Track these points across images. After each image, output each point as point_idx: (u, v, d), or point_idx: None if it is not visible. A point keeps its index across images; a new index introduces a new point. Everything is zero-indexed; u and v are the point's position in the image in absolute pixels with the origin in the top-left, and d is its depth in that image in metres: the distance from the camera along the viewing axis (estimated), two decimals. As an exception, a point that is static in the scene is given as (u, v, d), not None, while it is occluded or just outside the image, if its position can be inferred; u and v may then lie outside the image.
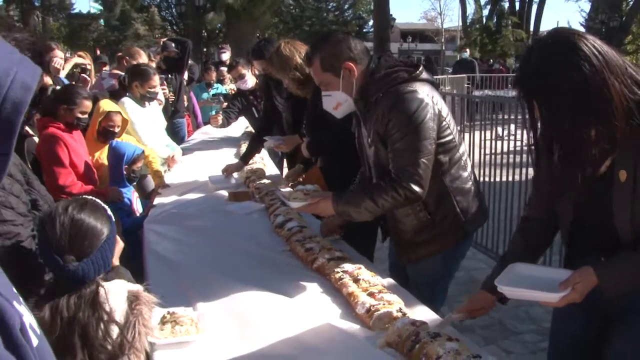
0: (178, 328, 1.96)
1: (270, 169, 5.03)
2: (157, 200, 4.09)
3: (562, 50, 1.67)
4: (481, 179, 5.80)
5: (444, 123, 2.42)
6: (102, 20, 29.02)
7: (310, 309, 2.20)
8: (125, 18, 27.20)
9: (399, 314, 1.99)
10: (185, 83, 7.24)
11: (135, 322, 1.67)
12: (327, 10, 39.01)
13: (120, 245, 1.95)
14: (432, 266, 2.62)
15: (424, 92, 2.36)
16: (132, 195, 4.01)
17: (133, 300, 1.70)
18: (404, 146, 2.32)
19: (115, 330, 1.64)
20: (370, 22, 35.17)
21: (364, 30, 38.71)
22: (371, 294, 2.14)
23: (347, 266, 2.42)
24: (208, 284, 2.44)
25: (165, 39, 6.84)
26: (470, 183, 2.59)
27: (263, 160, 5.05)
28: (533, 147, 1.83)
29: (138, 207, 4.06)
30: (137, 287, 1.77)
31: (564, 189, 1.85)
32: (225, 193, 4.12)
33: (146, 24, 28.34)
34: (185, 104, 7.32)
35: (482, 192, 2.78)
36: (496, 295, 2.01)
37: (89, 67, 6.63)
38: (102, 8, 28.75)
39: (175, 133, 6.66)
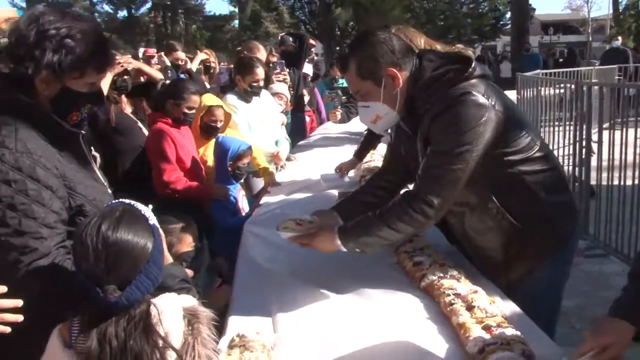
0: (247, 355, 1.66)
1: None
2: (264, 200, 3.88)
3: None
4: (636, 181, 4.99)
5: (509, 122, 2.06)
6: (235, 22, 30.31)
7: (410, 340, 1.80)
8: (256, 18, 28.10)
9: (521, 359, 1.53)
10: (309, 78, 7.06)
11: (194, 343, 1.42)
12: (461, 3, 37.48)
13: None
14: (537, 282, 2.18)
15: (479, 91, 2.01)
16: (238, 194, 3.85)
17: (191, 319, 1.45)
18: (440, 148, 2.02)
19: (172, 356, 1.39)
20: (508, 14, 33.25)
21: (501, 23, 36.81)
22: (487, 328, 1.69)
23: (461, 288, 1.99)
24: (297, 300, 2.13)
25: (282, 34, 6.71)
26: (555, 177, 2.22)
27: (382, 158, 4.66)
28: None
29: (244, 206, 3.89)
30: (191, 301, 1.51)
31: None
32: (336, 193, 3.80)
33: (276, 23, 29.04)
34: (307, 98, 7.14)
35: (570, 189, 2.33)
36: (636, 326, 1.51)
37: (213, 64, 6.69)
38: (235, 10, 30.05)
39: (295, 128, 6.50)
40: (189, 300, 1.50)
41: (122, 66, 3.97)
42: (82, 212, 1.71)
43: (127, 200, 1.54)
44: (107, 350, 1.34)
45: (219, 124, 4.01)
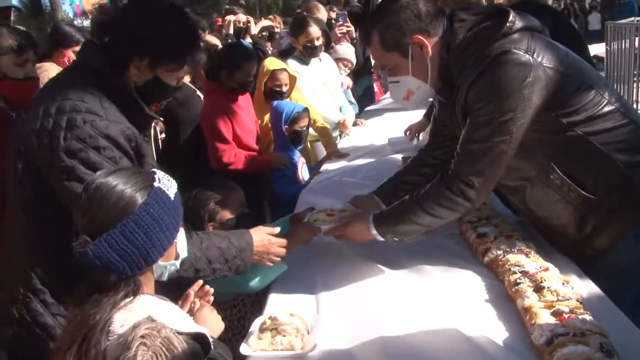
0: (279, 339, 1.52)
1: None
2: (324, 167, 3.70)
3: None
4: None
5: (564, 78, 1.76)
6: (306, -14, 29.96)
7: (467, 326, 1.58)
8: (329, -19, 27.71)
9: (598, 356, 1.27)
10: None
11: None
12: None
13: None
14: (621, 257, 1.85)
15: (521, 48, 1.73)
16: (298, 161, 3.67)
17: (135, 336, 1.13)
18: (480, 119, 1.76)
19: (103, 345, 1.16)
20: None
21: (591, -29, 34.24)
22: (557, 314, 1.44)
23: (529, 265, 1.74)
24: (344, 277, 1.96)
25: (348, -7, 6.39)
26: (634, 133, 1.85)
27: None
28: None
29: (304, 174, 3.71)
30: (171, 319, 1.21)
31: None
32: (400, 158, 3.56)
33: (350, -15, 28.46)
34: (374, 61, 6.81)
35: None
36: None
37: (277, 29, 6.52)
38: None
39: (364, 92, 6.24)
40: (170, 317, 1.22)
41: None
42: None
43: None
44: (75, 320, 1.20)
45: (284, 88, 3.80)
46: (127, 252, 1.21)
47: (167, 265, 1.39)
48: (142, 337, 1.11)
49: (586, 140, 1.79)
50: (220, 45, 4.34)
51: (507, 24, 1.76)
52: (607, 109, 1.81)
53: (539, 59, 1.72)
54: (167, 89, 1.79)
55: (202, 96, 4.04)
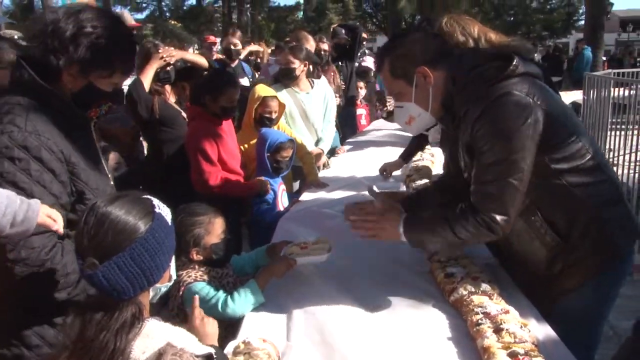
0: (251, 363, 1.58)
1: (440, 167, 4.42)
2: (304, 196, 3.79)
3: None
4: None
5: (556, 124, 1.89)
6: (300, 13, 30.47)
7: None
8: (321, 9, 28.28)
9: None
10: (372, 73, 6.90)
11: None
12: (531, -3, 36.11)
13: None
14: (578, 301, 2.02)
15: (522, 91, 1.86)
16: (277, 188, 3.76)
17: (164, 357, 1.22)
18: (490, 160, 1.87)
19: None
20: (582, 10, 31.77)
21: (574, 18, 35.30)
22: (513, 355, 1.54)
23: (492, 306, 1.84)
24: (316, 307, 2.02)
25: (335, 26, 6.54)
26: (610, 188, 2.03)
27: (433, 158, 4.45)
28: None
29: (283, 202, 3.80)
30: (186, 343, 1.29)
31: None
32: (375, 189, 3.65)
33: (341, 15, 29.04)
34: (363, 92, 6.93)
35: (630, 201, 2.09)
36: None
37: (259, 59, 6.65)
38: (301, 0, 30.25)
39: (347, 123, 6.37)
40: (185, 341, 1.29)
41: (164, 60, 3.93)
42: (82, 200, 1.75)
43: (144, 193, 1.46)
44: (85, 336, 1.24)
45: (273, 115, 3.90)
46: (133, 274, 1.29)
47: (162, 287, 1.48)
48: None
49: (568, 191, 1.93)
50: (206, 65, 4.42)
51: (511, 67, 1.89)
52: (590, 163, 1.95)
53: (538, 102, 1.85)
54: (102, 94, 1.82)
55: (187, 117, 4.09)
